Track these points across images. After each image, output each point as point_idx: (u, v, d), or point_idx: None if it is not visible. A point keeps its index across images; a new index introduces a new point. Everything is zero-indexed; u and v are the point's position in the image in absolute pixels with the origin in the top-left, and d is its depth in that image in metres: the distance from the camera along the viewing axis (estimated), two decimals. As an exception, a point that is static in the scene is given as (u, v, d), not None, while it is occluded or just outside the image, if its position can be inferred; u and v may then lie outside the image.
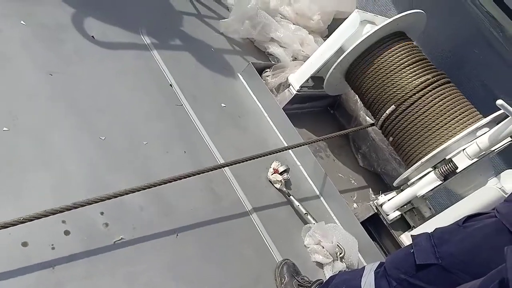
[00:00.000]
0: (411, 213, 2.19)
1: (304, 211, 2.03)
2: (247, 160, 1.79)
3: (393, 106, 2.11)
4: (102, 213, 1.46)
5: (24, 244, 1.27)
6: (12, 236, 1.24)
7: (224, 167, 1.83)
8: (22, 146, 1.47)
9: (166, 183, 1.52)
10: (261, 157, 1.86)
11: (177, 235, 1.60)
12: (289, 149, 2.17)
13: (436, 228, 1.42)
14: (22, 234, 1.26)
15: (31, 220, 1.21)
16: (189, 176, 1.58)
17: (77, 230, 1.39)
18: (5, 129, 1.47)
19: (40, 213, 1.22)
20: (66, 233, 1.36)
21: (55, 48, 1.83)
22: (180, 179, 1.55)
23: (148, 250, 1.49)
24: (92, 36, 2.00)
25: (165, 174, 1.73)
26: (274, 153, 1.97)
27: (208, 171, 1.66)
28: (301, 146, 2.13)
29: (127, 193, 1.42)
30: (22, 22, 1.81)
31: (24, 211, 1.31)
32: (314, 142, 2.32)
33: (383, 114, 2.17)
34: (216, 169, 1.71)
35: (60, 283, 1.26)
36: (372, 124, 2.35)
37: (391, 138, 2.19)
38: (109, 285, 1.34)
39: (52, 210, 1.24)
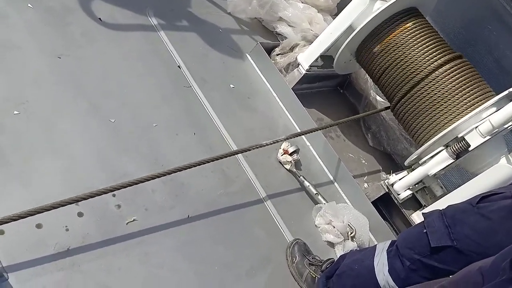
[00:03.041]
0: (423, 192, 2.18)
1: (315, 192, 2.03)
2: (260, 147, 1.77)
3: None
4: (114, 195, 1.48)
5: (39, 226, 1.29)
6: (26, 219, 1.25)
7: (238, 153, 1.82)
8: (33, 129, 1.48)
9: (181, 170, 1.51)
10: (274, 143, 1.85)
11: (188, 216, 1.61)
12: (303, 134, 2.15)
13: (448, 206, 1.41)
14: (36, 216, 1.26)
15: (48, 209, 1.21)
16: (203, 163, 1.57)
17: (90, 212, 1.40)
18: (15, 112, 1.47)
19: (56, 203, 1.23)
20: (80, 215, 1.38)
21: (63, 31, 1.82)
22: (195, 166, 1.55)
23: (160, 231, 1.51)
24: (100, 18, 1.98)
25: (176, 156, 1.75)
26: (287, 139, 1.96)
27: (222, 158, 1.65)
28: (314, 131, 2.10)
29: (142, 181, 1.42)
30: (29, 5, 1.80)
31: (36, 196, 1.33)
32: (327, 127, 2.29)
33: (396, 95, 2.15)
34: (230, 155, 1.70)
35: (75, 263, 1.28)
36: (388, 108, 2.32)
37: (401, 117, 2.17)
38: (122, 266, 1.36)
39: (67, 200, 1.25)
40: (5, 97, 1.49)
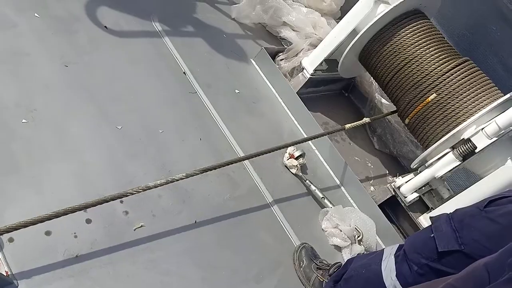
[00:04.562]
0: (429, 195, 2.17)
1: (321, 195, 2.03)
2: (266, 153, 1.77)
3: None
4: (121, 202, 1.49)
5: (48, 233, 1.31)
6: (35, 226, 1.26)
7: (244, 160, 1.82)
8: (41, 137, 1.50)
9: (188, 177, 1.51)
10: (280, 148, 1.85)
11: (195, 221, 1.62)
12: (309, 140, 2.14)
13: (455, 210, 1.40)
14: (45, 223, 1.27)
15: (58, 216, 1.22)
16: (209, 170, 1.58)
17: (98, 219, 1.41)
18: (24, 121, 1.49)
19: (66, 209, 1.24)
20: (88, 221, 1.39)
21: (70, 39, 1.85)
22: (201, 173, 1.55)
23: (168, 237, 1.52)
24: (105, 26, 2.00)
25: (182, 161, 1.76)
26: (293, 145, 1.96)
27: (228, 165, 1.65)
28: (320, 137, 2.10)
29: (149, 188, 1.42)
30: (36, 14, 1.82)
31: (47, 201, 1.35)
32: (333, 132, 2.27)
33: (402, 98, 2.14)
34: (236, 162, 1.70)
35: (84, 270, 1.30)
36: (394, 112, 2.32)
37: (407, 121, 2.16)
38: (130, 272, 1.37)
39: (76, 207, 1.26)
40: (15, 105, 1.51)
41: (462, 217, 1.33)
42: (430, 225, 1.40)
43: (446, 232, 1.32)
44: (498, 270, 0.96)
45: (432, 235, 1.34)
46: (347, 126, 2.07)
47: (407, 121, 2.18)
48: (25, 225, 1.17)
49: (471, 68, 2.05)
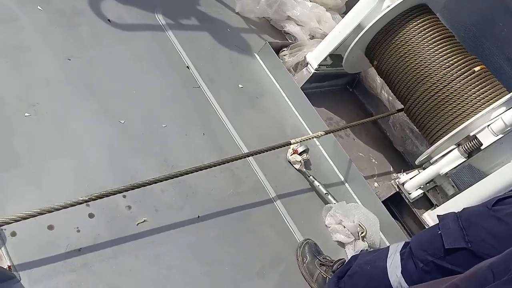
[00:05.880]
0: (434, 192, 2.16)
1: (325, 191, 2.01)
2: (270, 150, 1.75)
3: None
4: (124, 196, 1.48)
5: (50, 227, 1.30)
6: (37, 220, 1.25)
7: (248, 156, 1.80)
8: (44, 131, 1.49)
9: (191, 172, 1.50)
10: (284, 146, 1.84)
11: (198, 216, 1.61)
12: (314, 138, 2.11)
13: (463, 208, 1.39)
14: (48, 217, 1.27)
15: (58, 209, 1.21)
16: (213, 166, 1.57)
17: (101, 213, 1.41)
18: (26, 114, 1.48)
19: (67, 203, 1.23)
20: (91, 216, 1.39)
21: (73, 33, 1.83)
22: (205, 168, 1.54)
23: (171, 232, 1.51)
24: (108, 20, 1.99)
25: (185, 156, 1.75)
26: (297, 143, 1.94)
27: (232, 161, 1.64)
28: (325, 135, 2.07)
29: (151, 183, 1.41)
30: (39, 7, 1.81)
31: (48, 196, 1.34)
32: (339, 130, 2.23)
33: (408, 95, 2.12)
34: (240, 158, 1.69)
35: (86, 264, 1.29)
36: (401, 110, 2.30)
37: (415, 117, 2.14)
38: (133, 266, 1.37)
39: (78, 200, 1.25)
40: (16, 99, 1.50)
41: (469, 215, 1.33)
42: (437, 224, 1.40)
43: (453, 230, 1.31)
44: (503, 271, 0.96)
45: (439, 232, 1.34)
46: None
47: (414, 117, 2.15)
48: (26, 217, 1.16)
49: (478, 65, 2.02)
